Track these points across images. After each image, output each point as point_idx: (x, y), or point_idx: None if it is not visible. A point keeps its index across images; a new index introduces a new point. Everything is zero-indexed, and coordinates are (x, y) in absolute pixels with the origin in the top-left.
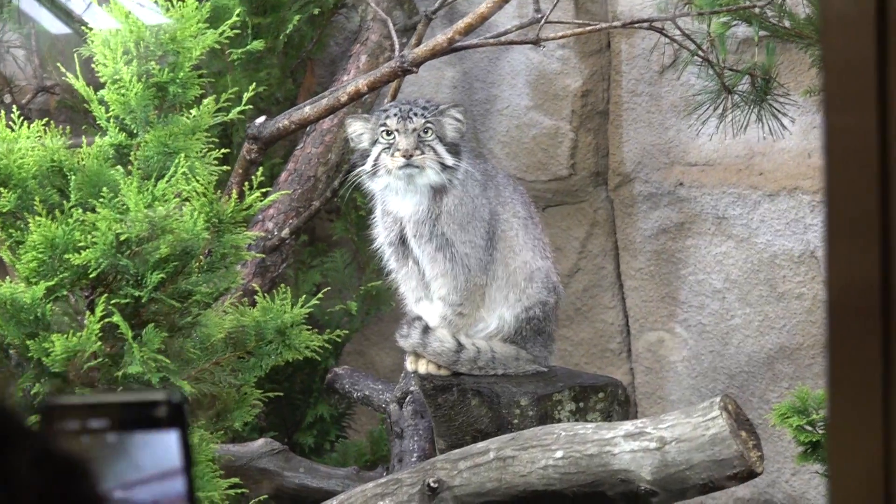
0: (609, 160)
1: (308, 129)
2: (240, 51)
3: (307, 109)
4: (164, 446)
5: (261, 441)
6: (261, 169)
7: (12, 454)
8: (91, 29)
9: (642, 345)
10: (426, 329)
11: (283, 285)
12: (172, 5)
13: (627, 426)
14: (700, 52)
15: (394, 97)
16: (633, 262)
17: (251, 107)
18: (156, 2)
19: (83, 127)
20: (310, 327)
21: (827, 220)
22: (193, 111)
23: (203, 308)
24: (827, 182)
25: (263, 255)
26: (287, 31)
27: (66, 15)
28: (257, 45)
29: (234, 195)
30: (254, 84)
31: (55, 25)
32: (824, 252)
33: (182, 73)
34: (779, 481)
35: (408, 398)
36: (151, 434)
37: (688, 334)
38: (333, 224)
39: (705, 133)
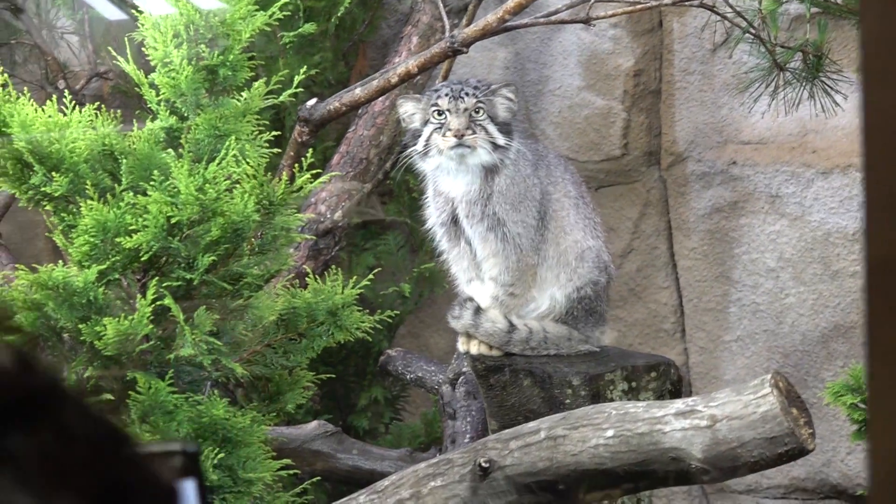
0: (661, 140)
1: (360, 111)
2: (291, 34)
3: (358, 91)
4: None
5: (314, 423)
6: (313, 151)
7: (60, 418)
8: (142, 13)
9: (696, 324)
10: (478, 310)
11: (334, 267)
12: None
13: (678, 404)
14: (752, 30)
15: (445, 78)
16: (687, 242)
17: (302, 90)
18: None
19: (136, 112)
20: (361, 309)
21: (865, 196)
22: (244, 94)
23: (254, 290)
24: (865, 160)
25: (315, 238)
26: (339, 14)
27: (120, 0)
28: (309, 28)
29: (285, 177)
30: (305, 67)
31: (110, 11)
32: (863, 229)
33: (232, 56)
34: (834, 460)
35: (460, 379)
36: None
37: (742, 313)
38: (387, 206)
39: (758, 111)
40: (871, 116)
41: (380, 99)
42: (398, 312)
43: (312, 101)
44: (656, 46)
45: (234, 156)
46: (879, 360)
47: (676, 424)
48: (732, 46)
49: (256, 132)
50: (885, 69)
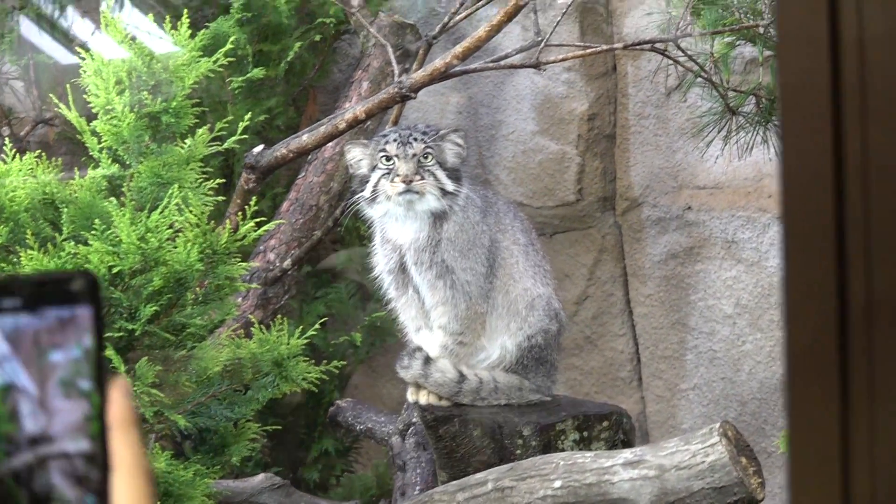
0: (616, 185)
1: (310, 157)
2: (240, 79)
3: (305, 138)
4: (76, 324)
5: (261, 476)
6: (262, 198)
7: None
8: (88, 57)
9: (653, 372)
10: (427, 360)
11: (279, 316)
12: (168, 33)
13: (626, 454)
14: (703, 74)
15: (395, 123)
16: (643, 289)
17: (252, 136)
18: (155, 30)
19: (83, 159)
20: (308, 359)
21: (784, 240)
22: (188, 141)
23: (198, 341)
24: (784, 206)
25: (258, 287)
26: (288, 59)
27: (68, 42)
28: (257, 72)
29: (228, 225)
30: (249, 113)
31: (63, 55)
32: (782, 275)
33: (175, 103)
34: None
35: (410, 430)
36: (64, 310)
37: (699, 361)
38: (337, 253)
39: (712, 155)
40: (788, 163)
41: (330, 144)
42: (344, 363)
43: (259, 148)
44: (610, 90)
45: (177, 204)
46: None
47: (624, 475)
48: (685, 90)
49: (200, 180)
50: (802, 114)
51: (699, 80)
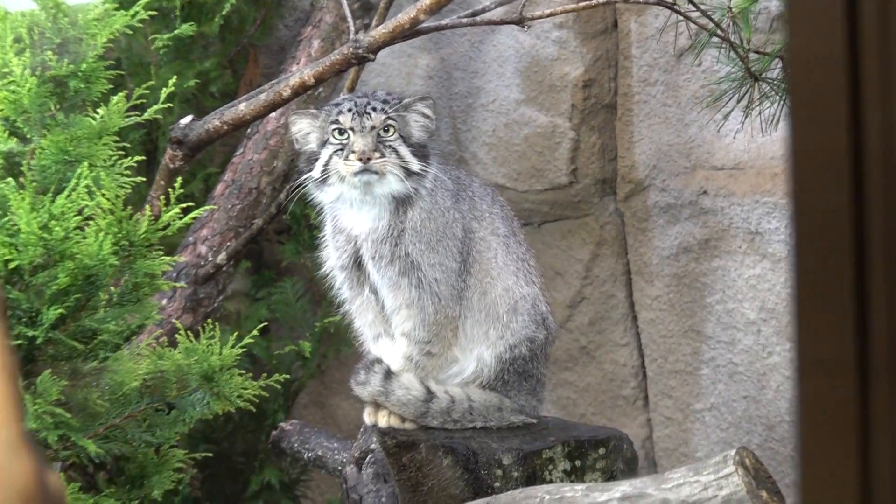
0: (618, 164)
1: (249, 131)
2: (166, 36)
3: (243, 107)
4: None
5: None
6: (191, 180)
7: None
8: None
9: (662, 389)
10: (388, 374)
11: (209, 321)
12: None
13: (625, 487)
14: (720, 32)
15: (351, 90)
16: (649, 289)
17: (175, 105)
18: None
19: None
20: (246, 372)
21: (794, 225)
22: (101, 110)
23: (112, 350)
24: (794, 186)
25: (186, 286)
26: (224, 12)
27: None
28: (186, 29)
29: (149, 212)
30: (176, 77)
31: None
32: (791, 258)
33: (85, 65)
34: None
35: (368, 458)
36: None
37: (716, 376)
38: (283, 246)
39: (731, 130)
40: (799, 140)
41: (274, 115)
42: (289, 377)
43: (187, 119)
44: (611, 51)
45: (87, 186)
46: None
47: None
48: (698, 52)
49: (116, 157)
50: (814, 90)
51: (715, 39)
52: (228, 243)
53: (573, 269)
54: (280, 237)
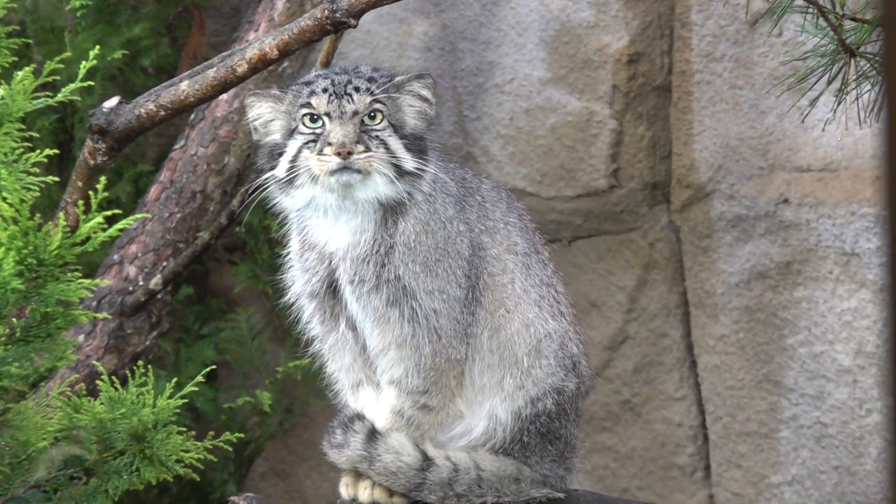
0: (672, 164)
1: (192, 117)
2: None
3: (184, 86)
4: None
5: None
6: (116, 181)
7: None
8: None
9: (728, 457)
10: (373, 434)
11: (140, 363)
12: None
13: None
14: None
15: (325, 65)
16: (713, 327)
17: (98, 83)
18: None
19: None
20: (187, 430)
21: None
22: (1, 90)
23: (14, 400)
24: (891, 192)
25: (109, 317)
26: None
27: None
28: None
29: (63, 221)
30: (98, 48)
31: None
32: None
33: None
34: None
35: None
36: None
37: (799, 440)
38: (236, 268)
39: (820, 120)
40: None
41: (225, 97)
42: (243, 436)
43: (112, 102)
44: (664, 17)
45: None
46: None
47: None
48: (777, 18)
49: (20, 150)
50: None
51: (800, 2)
52: (164, 263)
53: (614, 300)
54: (231, 256)
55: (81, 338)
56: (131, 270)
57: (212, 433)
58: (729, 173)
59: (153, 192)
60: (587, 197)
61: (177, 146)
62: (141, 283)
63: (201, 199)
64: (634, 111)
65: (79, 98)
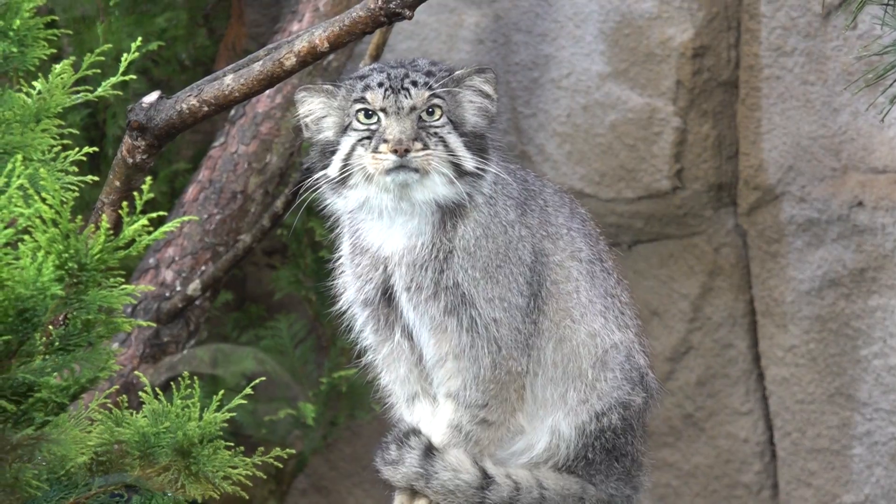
0: (739, 164)
1: (232, 113)
2: None
3: (229, 80)
4: None
5: None
6: (153, 180)
7: None
8: None
9: (797, 475)
10: (429, 450)
11: (186, 374)
12: None
13: None
14: None
15: (375, 58)
16: (781, 337)
17: (130, 77)
18: None
19: None
20: (233, 445)
21: None
22: (38, 84)
23: (53, 413)
24: None
25: (146, 324)
26: None
27: None
28: None
29: (105, 224)
30: (139, 39)
31: None
32: None
33: (18, 22)
34: None
35: None
36: None
37: (875, 457)
38: (277, 273)
39: None
40: None
41: (267, 93)
42: (292, 451)
43: (152, 97)
44: (731, 8)
45: (22, 187)
46: None
47: None
48: (856, 10)
49: (58, 148)
50: None
51: None
52: (203, 267)
53: (676, 309)
54: (271, 259)
55: (115, 346)
56: (168, 275)
57: (261, 449)
58: (799, 174)
59: (191, 192)
60: (649, 199)
61: (216, 143)
62: (178, 288)
63: (242, 199)
64: (699, 108)
65: (117, 93)
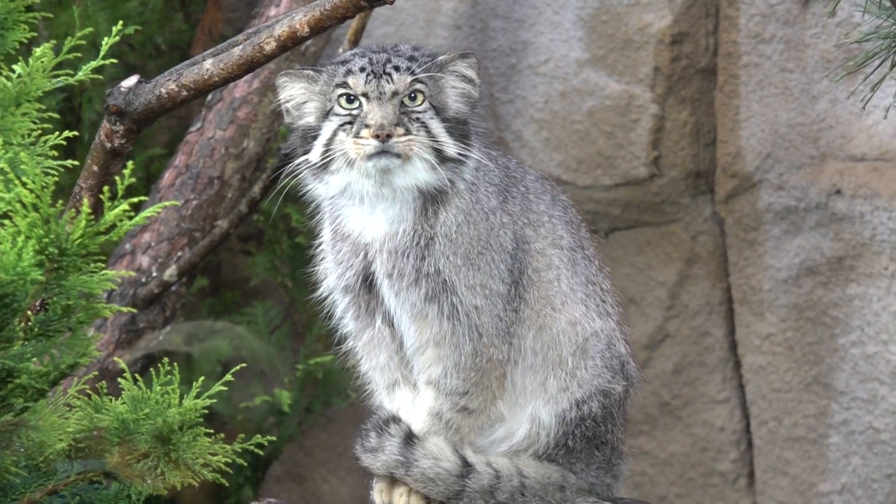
0: (717, 151)
1: (209, 98)
2: None
3: (208, 65)
4: None
5: None
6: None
7: None
8: None
9: (773, 463)
10: (409, 437)
11: (165, 360)
12: None
13: None
14: None
15: (355, 43)
16: (758, 325)
17: (113, 61)
18: None
19: None
20: (212, 432)
21: None
22: (18, 68)
23: (33, 398)
24: None
25: (122, 309)
26: None
27: None
28: None
29: (86, 208)
30: (120, 23)
31: None
32: None
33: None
34: None
35: None
36: None
37: (850, 446)
38: (253, 259)
39: (876, 106)
40: None
41: (244, 79)
42: (273, 438)
43: (130, 81)
44: None
45: (2, 171)
46: None
47: None
48: None
49: (38, 132)
50: None
51: None
52: (179, 253)
53: (653, 296)
54: (246, 245)
55: (90, 332)
56: (144, 261)
57: (242, 436)
58: (777, 162)
59: (167, 177)
60: (626, 186)
61: (193, 129)
62: (154, 274)
63: (219, 185)
64: (677, 95)
65: (97, 77)
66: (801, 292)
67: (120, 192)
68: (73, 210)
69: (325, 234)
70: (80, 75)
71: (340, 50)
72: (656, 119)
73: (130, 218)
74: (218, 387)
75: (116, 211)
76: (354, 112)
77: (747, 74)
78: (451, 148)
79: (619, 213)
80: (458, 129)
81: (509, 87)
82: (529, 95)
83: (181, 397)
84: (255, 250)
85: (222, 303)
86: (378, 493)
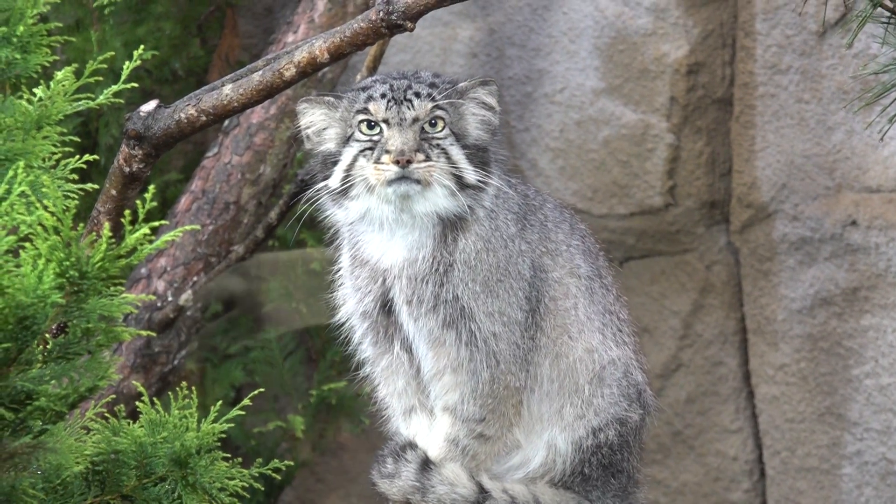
0: (732, 182)
1: (226, 124)
2: None
3: (227, 91)
4: None
5: None
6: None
7: None
8: None
9: (786, 493)
10: (426, 464)
11: (183, 384)
12: None
13: None
14: (886, 1)
15: (373, 70)
16: (772, 355)
17: (134, 85)
18: None
19: None
20: (229, 456)
21: None
22: (39, 91)
23: (51, 421)
24: None
25: (139, 334)
26: None
27: None
28: None
29: (107, 231)
30: (141, 48)
31: None
32: None
33: (22, 28)
34: None
35: None
36: None
37: (864, 477)
38: (267, 284)
39: (894, 137)
40: None
41: (260, 105)
42: (291, 463)
43: (150, 106)
44: (726, 25)
45: (24, 194)
46: None
47: None
48: (855, 28)
49: (59, 155)
50: None
51: (878, 9)
52: (195, 278)
53: (667, 325)
54: (261, 271)
55: (109, 354)
56: (160, 285)
57: (259, 460)
58: (793, 193)
59: (183, 202)
60: (641, 215)
61: (209, 154)
62: (170, 298)
63: (235, 210)
64: (693, 125)
65: (109, 100)
66: (816, 323)
67: (141, 216)
68: (94, 234)
69: (344, 260)
70: (101, 99)
71: (358, 77)
72: (672, 149)
73: (150, 242)
74: (236, 411)
75: (137, 234)
76: (375, 138)
77: (763, 105)
78: (470, 175)
79: (634, 243)
80: (478, 155)
81: (525, 116)
82: (545, 124)
83: (199, 421)
84: (271, 274)
85: (236, 328)
86: None
